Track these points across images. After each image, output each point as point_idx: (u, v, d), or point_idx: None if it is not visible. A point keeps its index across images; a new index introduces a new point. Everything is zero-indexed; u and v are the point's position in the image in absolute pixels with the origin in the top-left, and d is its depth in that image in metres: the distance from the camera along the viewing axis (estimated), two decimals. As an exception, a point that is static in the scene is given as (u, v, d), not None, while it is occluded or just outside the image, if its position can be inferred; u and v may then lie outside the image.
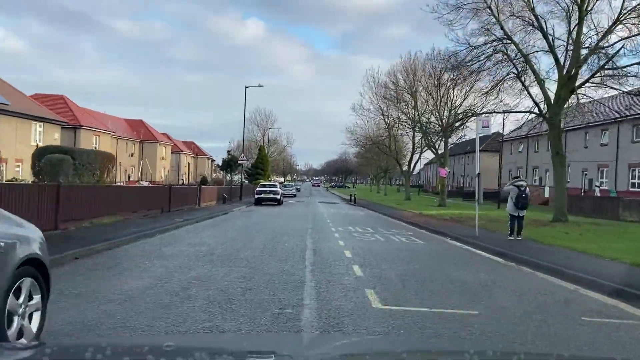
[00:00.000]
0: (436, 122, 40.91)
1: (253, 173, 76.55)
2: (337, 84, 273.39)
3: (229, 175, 47.42)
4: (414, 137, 56.31)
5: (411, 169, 59.30)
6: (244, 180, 77.42)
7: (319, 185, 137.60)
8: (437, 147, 42.74)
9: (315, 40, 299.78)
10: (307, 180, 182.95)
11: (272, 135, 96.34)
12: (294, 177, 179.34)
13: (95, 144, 49.74)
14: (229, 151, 47.10)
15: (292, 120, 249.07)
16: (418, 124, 42.22)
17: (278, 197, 38.64)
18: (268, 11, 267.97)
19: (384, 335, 5.54)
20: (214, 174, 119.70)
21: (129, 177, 65.32)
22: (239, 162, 42.78)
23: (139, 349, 2.13)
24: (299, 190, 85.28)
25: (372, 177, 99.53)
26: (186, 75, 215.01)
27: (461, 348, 2.78)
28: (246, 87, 43.09)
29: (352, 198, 47.67)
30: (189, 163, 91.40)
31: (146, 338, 4.81)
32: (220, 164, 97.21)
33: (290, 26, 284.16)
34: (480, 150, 17.71)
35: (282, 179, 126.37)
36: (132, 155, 65.35)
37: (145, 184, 53.94)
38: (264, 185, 40.23)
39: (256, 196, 38.62)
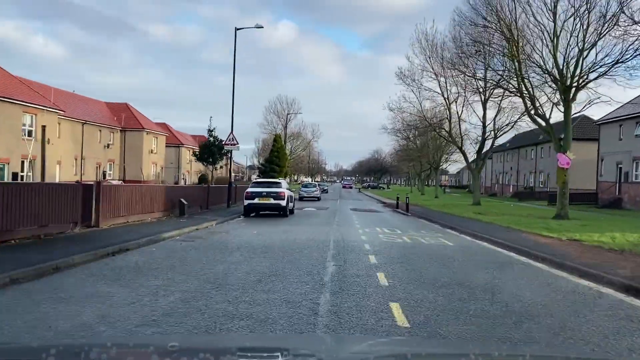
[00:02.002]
0: (549, 73, 24.06)
1: (267, 170, 60.50)
2: (367, 84, 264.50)
3: (208, 167, 30.96)
4: (484, 115, 39.56)
5: (480, 161, 42.25)
6: (256, 177, 62.03)
7: (351, 187, 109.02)
8: (547, 117, 25.83)
9: (346, 40, 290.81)
10: (338, 181, 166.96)
11: (294, 127, 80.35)
12: (323, 177, 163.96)
13: (30, 125, 34.54)
14: (210, 131, 30.33)
15: (322, 121, 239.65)
16: (517, 75, 25.24)
17: (282, 203, 22.54)
18: (299, 13, 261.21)
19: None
20: (236, 173, 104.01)
21: (104, 175, 50.31)
22: (225, 147, 26.63)
23: (143, 348, 2.10)
24: (326, 192, 69.06)
25: (415, 175, 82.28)
26: (218, 78, 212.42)
27: (466, 350, 2.61)
28: (236, 28, 27.11)
29: (403, 203, 31.20)
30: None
31: (150, 338, 4.23)
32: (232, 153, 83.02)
33: (321, 27, 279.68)
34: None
35: (309, 179, 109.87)
36: (108, 146, 50.23)
37: (117, 182, 38.66)
38: (259, 184, 23.93)
39: (245, 202, 22.62)
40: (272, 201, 22.52)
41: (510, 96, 28.20)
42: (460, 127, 40.95)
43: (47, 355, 1.89)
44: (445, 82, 39.87)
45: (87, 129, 46.63)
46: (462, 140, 41.25)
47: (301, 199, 44.95)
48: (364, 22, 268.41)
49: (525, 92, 25.28)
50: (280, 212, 22.80)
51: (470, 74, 28.39)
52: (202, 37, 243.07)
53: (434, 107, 42.99)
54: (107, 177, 50.08)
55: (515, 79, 25.71)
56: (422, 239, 14.94)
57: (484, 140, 40.94)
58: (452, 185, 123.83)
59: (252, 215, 22.95)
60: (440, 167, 64.25)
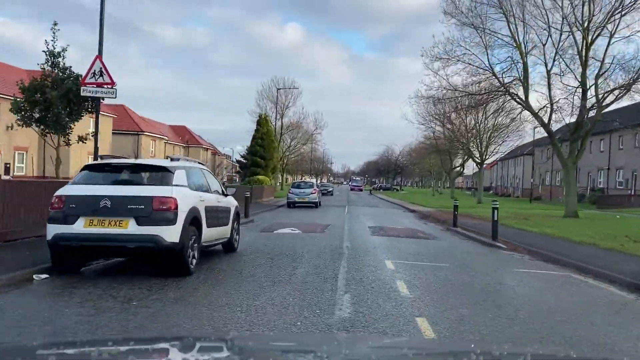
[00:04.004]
0: None
1: (248, 165, 44.61)
2: (375, 86, 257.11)
3: (49, 136, 15.13)
4: (583, 74, 23.88)
5: (579, 145, 26.37)
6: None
7: (360, 189, 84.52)
8: None
9: (354, 43, 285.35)
10: (345, 183, 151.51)
11: (293, 116, 64.39)
12: (330, 178, 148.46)
13: None
14: (51, 56, 15.05)
15: (329, 123, 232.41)
16: None
17: (165, 238, 6.77)
18: (307, 14, 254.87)
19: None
20: (231, 174, 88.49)
21: (6, 169, 34.87)
22: (84, 92, 11.20)
23: (144, 347, 2.03)
24: (330, 194, 53.37)
25: (444, 172, 66.13)
26: (227, 80, 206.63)
27: (467, 349, 2.52)
28: None
29: (464, 215, 15.38)
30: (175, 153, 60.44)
31: (151, 338, 3.60)
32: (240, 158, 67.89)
33: (329, 29, 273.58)
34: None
35: (313, 180, 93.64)
36: (12, 127, 34.63)
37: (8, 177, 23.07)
38: (101, 170, 7.94)
39: (49, 232, 6.95)
40: (123, 230, 6.79)
41: None
42: (550, 89, 24.87)
43: (47, 355, 1.84)
44: (523, 16, 24.19)
45: (-30, 100, 31.13)
46: (551, 109, 25.17)
47: (290, 205, 29.45)
48: (371, 24, 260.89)
49: None
50: (177, 267, 7.15)
51: None
52: (210, 38, 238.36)
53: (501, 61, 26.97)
54: (12, 173, 34.77)
55: None
56: None
57: (583, 112, 25.12)
58: (468, 188, 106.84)
59: (92, 264, 7.48)
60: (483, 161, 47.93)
